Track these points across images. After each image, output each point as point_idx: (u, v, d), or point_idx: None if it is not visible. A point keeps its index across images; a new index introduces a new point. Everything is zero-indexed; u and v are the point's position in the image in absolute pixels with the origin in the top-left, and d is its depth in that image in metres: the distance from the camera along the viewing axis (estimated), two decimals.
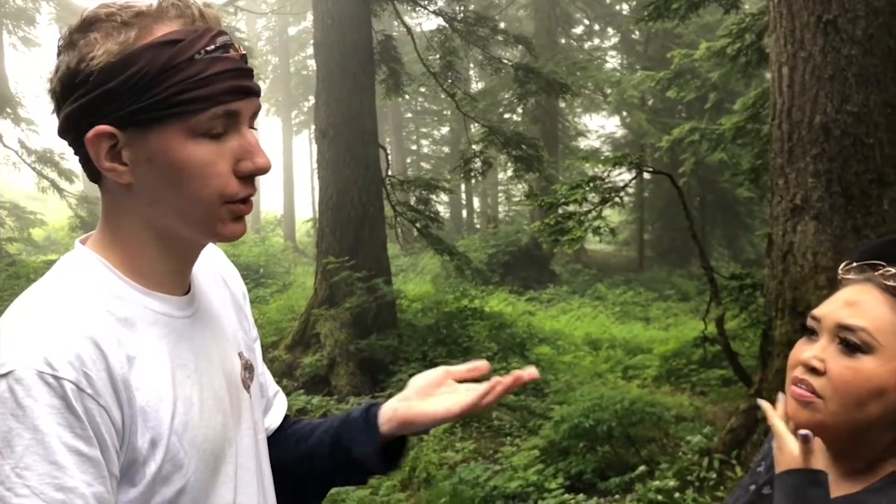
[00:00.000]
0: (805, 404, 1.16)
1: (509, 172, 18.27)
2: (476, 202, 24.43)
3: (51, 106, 0.99)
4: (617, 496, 5.31)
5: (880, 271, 1.21)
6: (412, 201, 10.35)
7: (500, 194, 24.03)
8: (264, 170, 0.98)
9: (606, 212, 5.85)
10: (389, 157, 10.14)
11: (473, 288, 10.60)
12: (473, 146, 10.40)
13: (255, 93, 0.98)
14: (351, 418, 1.22)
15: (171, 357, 0.97)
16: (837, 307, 1.19)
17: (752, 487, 1.39)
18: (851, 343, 1.15)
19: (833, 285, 4.44)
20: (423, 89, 16.84)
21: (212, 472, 0.99)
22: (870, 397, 1.13)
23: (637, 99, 15.38)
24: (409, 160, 23.40)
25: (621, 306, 13.70)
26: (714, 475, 4.96)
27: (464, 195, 22.34)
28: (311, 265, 15.46)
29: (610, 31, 20.42)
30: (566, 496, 5.14)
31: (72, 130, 0.95)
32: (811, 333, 1.21)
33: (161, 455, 0.93)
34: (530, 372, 1.15)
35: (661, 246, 18.56)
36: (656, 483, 5.08)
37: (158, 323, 0.98)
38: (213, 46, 0.94)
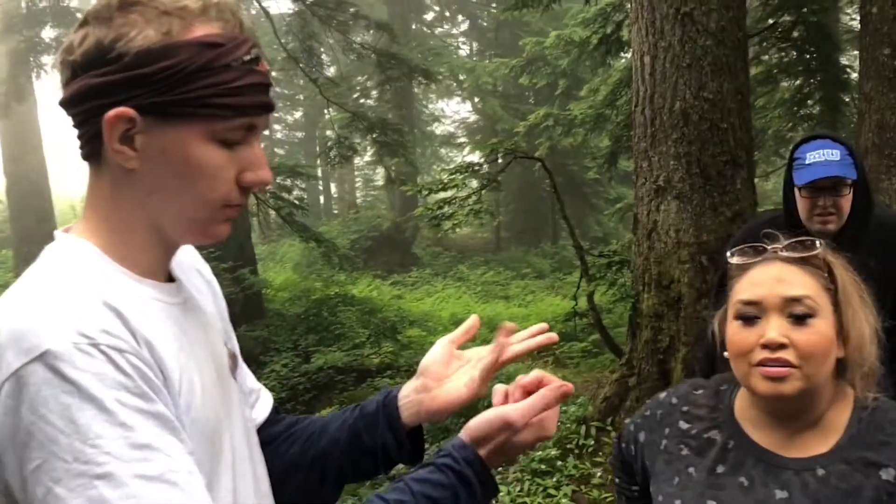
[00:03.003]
0: (782, 379, 1.25)
1: (367, 157, 18.27)
2: (333, 187, 24.21)
3: None
4: (500, 469, 5.52)
5: (772, 247, 1.34)
6: (269, 187, 10.12)
7: (357, 179, 23.94)
8: (267, 183, 1.01)
9: (462, 194, 6.05)
10: None
11: (340, 274, 10.56)
12: (332, 132, 10.30)
13: (273, 109, 1.02)
14: (367, 412, 1.21)
15: (173, 338, 0.96)
16: (772, 286, 1.29)
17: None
18: (800, 313, 1.27)
19: (694, 260, 4.77)
20: (275, 74, 16.45)
21: (211, 457, 0.97)
22: (829, 352, 1.28)
23: (490, 85, 15.76)
24: (262, 145, 22.79)
25: (482, 286, 14.09)
26: (592, 442, 5.26)
27: (320, 181, 22.08)
28: None
29: (460, 17, 20.74)
30: None
31: (85, 103, 0.93)
32: (747, 319, 1.30)
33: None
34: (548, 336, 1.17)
35: (515, 227, 19.16)
36: (538, 453, 5.32)
37: (156, 307, 0.97)
38: (248, 57, 0.95)
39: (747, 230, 2.78)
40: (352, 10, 9.63)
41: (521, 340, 1.17)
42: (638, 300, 5.28)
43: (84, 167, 1.01)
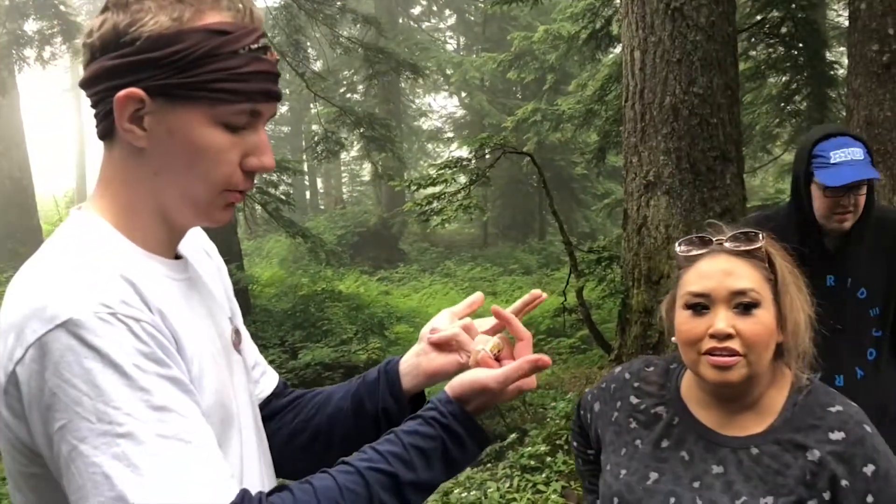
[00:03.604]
0: (728, 367, 1.33)
1: (353, 153, 18.20)
2: (319, 183, 24.13)
3: None
4: (489, 465, 5.50)
5: (717, 239, 1.41)
6: (255, 181, 10.07)
7: (344, 175, 23.86)
8: (270, 169, 1.06)
9: (450, 189, 6.03)
10: None
11: (327, 269, 10.52)
12: (319, 127, 10.24)
13: (280, 98, 1.06)
14: (369, 380, 1.27)
15: (181, 311, 1.01)
16: (720, 279, 1.36)
17: None
18: (746, 304, 1.34)
19: None
20: None
21: (223, 424, 1.02)
22: (771, 340, 1.36)
23: (478, 80, 15.73)
24: None
25: (470, 282, 14.07)
26: None
27: (307, 176, 22.02)
28: None
29: (447, 12, 20.69)
30: None
31: (100, 84, 0.99)
32: (696, 310, 1.37)
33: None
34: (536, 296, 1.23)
35: (502, 222, 19.15)
36: (528, 449, 5.31)
37: (165, 282, 1.02)
38: (256, 46, 1.00)
39: (755, 224, 2.75)
40: (339, 3, 9.58)
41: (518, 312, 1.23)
42: (627, 296, 5.27)
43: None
